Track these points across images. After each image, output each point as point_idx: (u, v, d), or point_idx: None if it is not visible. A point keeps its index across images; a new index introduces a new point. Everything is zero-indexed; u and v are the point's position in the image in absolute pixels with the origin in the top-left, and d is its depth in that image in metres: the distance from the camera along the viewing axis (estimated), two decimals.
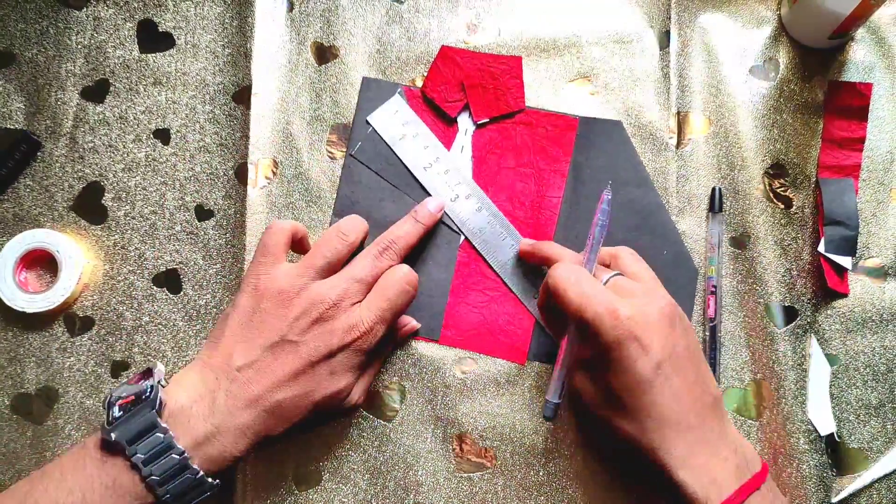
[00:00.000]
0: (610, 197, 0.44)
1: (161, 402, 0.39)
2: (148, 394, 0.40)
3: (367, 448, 0.48)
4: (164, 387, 0.41)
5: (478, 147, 0.51)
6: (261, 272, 0.44)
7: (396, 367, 0.49)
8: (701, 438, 0.38)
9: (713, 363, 0.48)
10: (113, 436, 0.38)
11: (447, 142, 0.51)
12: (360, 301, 0.44)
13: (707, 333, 0.49)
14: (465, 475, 0.48)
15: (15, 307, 0.49)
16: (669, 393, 0.38)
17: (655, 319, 0.39)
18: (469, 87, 0.51)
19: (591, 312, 0.38)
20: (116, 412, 0.39)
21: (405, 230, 0.47)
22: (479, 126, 0.51)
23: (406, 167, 0.51)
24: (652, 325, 0.38)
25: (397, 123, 0.51)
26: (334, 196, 0.51)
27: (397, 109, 0.51)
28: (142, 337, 0.50)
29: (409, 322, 0.49)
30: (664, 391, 0.38)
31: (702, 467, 0.37)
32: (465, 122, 0.51)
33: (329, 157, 0.51)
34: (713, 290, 0.49)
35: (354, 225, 0.47)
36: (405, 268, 0.45)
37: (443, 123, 0.51)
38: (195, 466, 0.39)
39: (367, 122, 0.51)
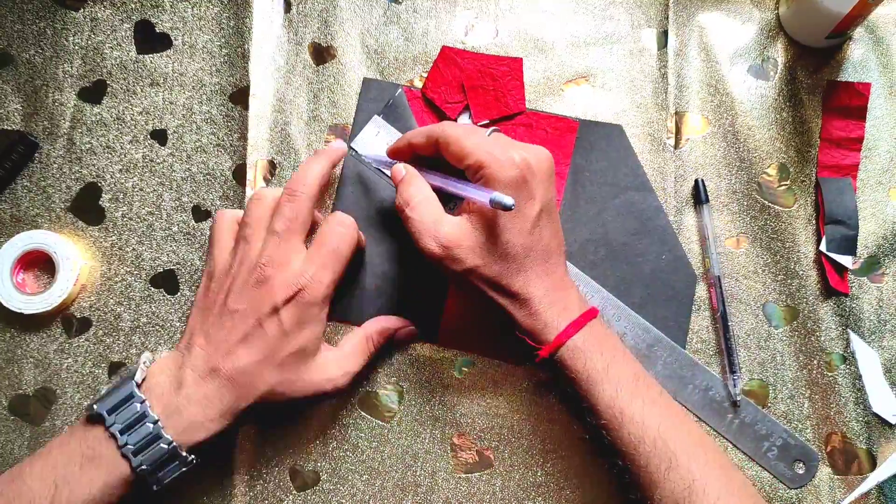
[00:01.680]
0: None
1: (142, 377, 0.42)
2: (131, 370, 0.43)
3: (364, 449, 0.48)
4: (148, 366, 0.43)
5: None
6: (209, 260, 0.46)
7: (394, 367, 0.49)
8: (559, 277, 0.43)
9: (728, 352, 0.48)
10: (95, 407, 0.41)
11: None
12: (297, 251, 0.44)
13: (718, 325, 0.48)
14: (463, 476, 0.48)
15: (12, 308, 0.48)
16: (544, 236, 0.42)
17: (543, 168, 0.42)
18: (469, 89, 0.51)
19: (486, 156, 0.41)
20: (103, 391, 0.42)
21: (309, 167, 0.45)
22: None
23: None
24: (538, 173, 0.41)
25: (381, 144, 0.51)
26: (333, 196, 0.51)
27: (378, 131, 0.51)
28: (139, 338, 0.50)
29: (404, 327, 0.48)
30: (541, 234, 0.42)
31: (557, 300, 0.42)
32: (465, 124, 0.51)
33: None
34: (713, 281, 0.48)
35: (271, 190, 0.46)
36: (338, 214, 0.45)
37: None
38: (168, 436, 0.40)
39: (351, 147, 0.51)
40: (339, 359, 0.45)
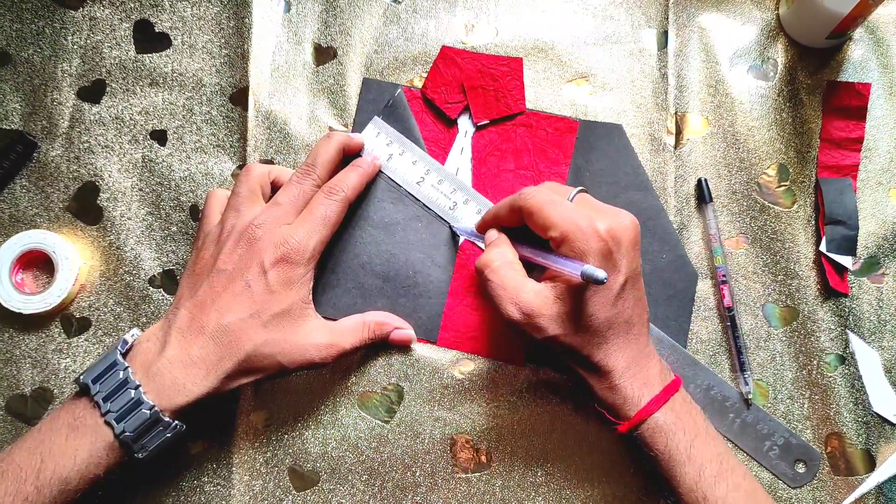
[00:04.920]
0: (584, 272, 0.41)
1: (126, 347, 0.43)
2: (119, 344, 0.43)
3: (364, 449, 0.48)
4: (134, 337, 0.44)
5: (477, 149, 0.51)
6: (199, 233, 0.47)
7: (394, 368, 0.49)
8: (640, 347, 0.41)
9: (737, 350, 0.48)
10: (81, 378, 0.41)
11: (447, 144, 0.51)
12: (289, 222, 0.45)
13: (728, 322, 0.48)
14: (463, 476, 0.48)
15: (11, 308, 0.48)
16: (627, 306, 0.41)
17: (628, 237, 0.40)
18: (469, 89, 0.51)
19: (571, 228, 0.39)
20: (92, 363, 0.43)
21: (322, 151, 0.47)
22: (479, 128, 0.51)
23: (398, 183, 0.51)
24: (624, 243, 0.40)
25: (381, 145, 0.51)
26: None
27: (378, 132, 0.51)
28: None
29: (403, 329, 0.48)
30: (624, 305, 0.40)
31: (638, 372, 0.41)
32: (465, 124, 0.51)
33: None
34: (723, 279, 0.48)
35: (259, 165, 0.48)
36: (329, 183, 0.46)
37: (443, 125, 0.51)
38: (149, 401, 0.40)
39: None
40: (330, 329, 0.46)
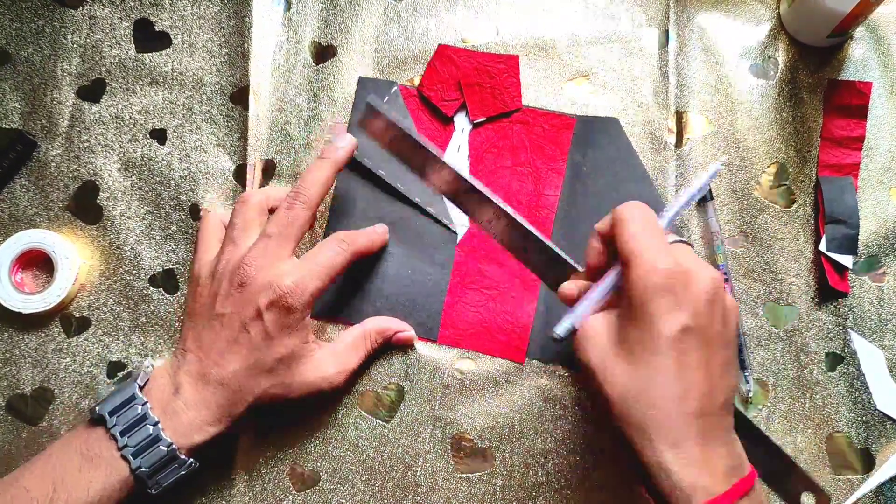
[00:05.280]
0: (717, 170, 0.41)
1: (144, 381, 0.43)
2: (134, 374, 0.44)
3: (365, 449, 0.48)
4: (150, 369, 0.44)
5: (474, 146, 0.51)
6: (194, 263, 0.46)
7: (395, 367, 0.49)
8: (701, 428, 0.34)
9: (739, 348, 0.48)
10: (97, 409, 0.41)
11: (444, 141, 0.51)
12: (284, 257, 0.43)
13: None
14: (464, 476, 0.47)
15: (11, 308, 0.48)
16: (684, 366, 0.34)
17: (701, 287, 0.35)
18: (466, 86, 0.51)
19: (642, 250, 0.35)
20: (105, 393, 0.43)
21: (314, 174, 0.45)
22: (475, 125, 0.51)
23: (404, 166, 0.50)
24: (695, 291, 0.35)
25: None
26: (331, 196, 0.51)
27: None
28: (139, 337, 0.49)
29: (404, 331, 0.48)
30: (680, 361, 0.34)
31: (694, 457, 0.33)
32: (461, 122, 0.51)
33: None
34: (725, 277, 0.48)
35: (264, 191, 0.47)
36: (340, 234, 0.45)
37: (439, 123, 0.51)
38: (167, 438, 0.40)
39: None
40: (335, 355, 0.46)
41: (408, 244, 0.50)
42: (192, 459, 0.42)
